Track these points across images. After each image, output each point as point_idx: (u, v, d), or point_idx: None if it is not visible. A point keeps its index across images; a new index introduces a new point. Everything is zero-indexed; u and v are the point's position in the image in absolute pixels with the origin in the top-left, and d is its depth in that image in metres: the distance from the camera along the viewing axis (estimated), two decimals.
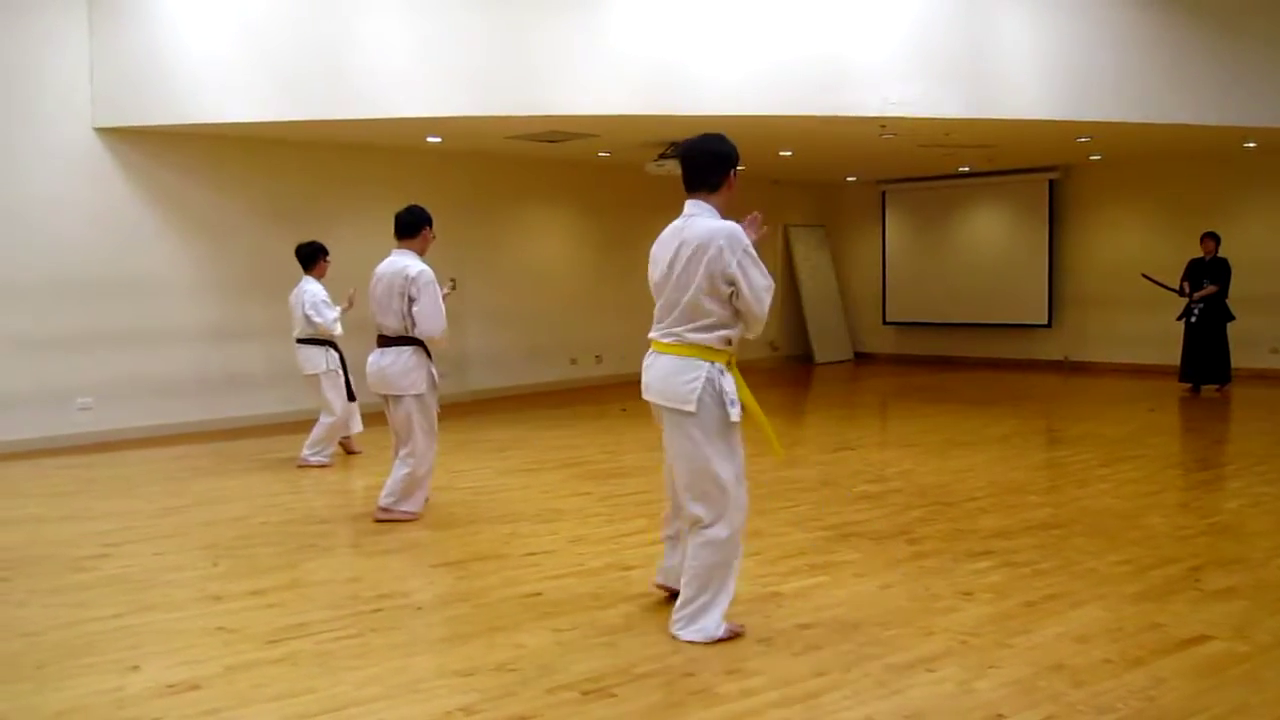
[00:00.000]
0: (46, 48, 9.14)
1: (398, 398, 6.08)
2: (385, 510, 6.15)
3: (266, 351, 10.35)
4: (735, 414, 3.93)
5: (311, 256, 8.16)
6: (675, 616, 4.06)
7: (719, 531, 3.97)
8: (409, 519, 6.12)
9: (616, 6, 8.76)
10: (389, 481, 6.19)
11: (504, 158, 12.25)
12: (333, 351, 8.09)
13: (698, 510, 3.98)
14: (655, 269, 4.08)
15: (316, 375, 8.03)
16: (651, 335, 4.07)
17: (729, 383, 3.95)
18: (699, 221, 3.97)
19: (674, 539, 4.33)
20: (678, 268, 3.93)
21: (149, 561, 5.39)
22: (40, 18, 9.10)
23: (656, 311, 4.07)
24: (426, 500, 6.31)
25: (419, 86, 8.79)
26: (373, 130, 9.93)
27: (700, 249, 3.87)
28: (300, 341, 8.10)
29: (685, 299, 3.91)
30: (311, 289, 8.03)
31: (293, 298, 8.14)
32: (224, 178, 10.26)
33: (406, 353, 6.05)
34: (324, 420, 8.08)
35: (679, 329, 3.94)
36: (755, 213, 4.13)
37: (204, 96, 9.03)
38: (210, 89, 9.00)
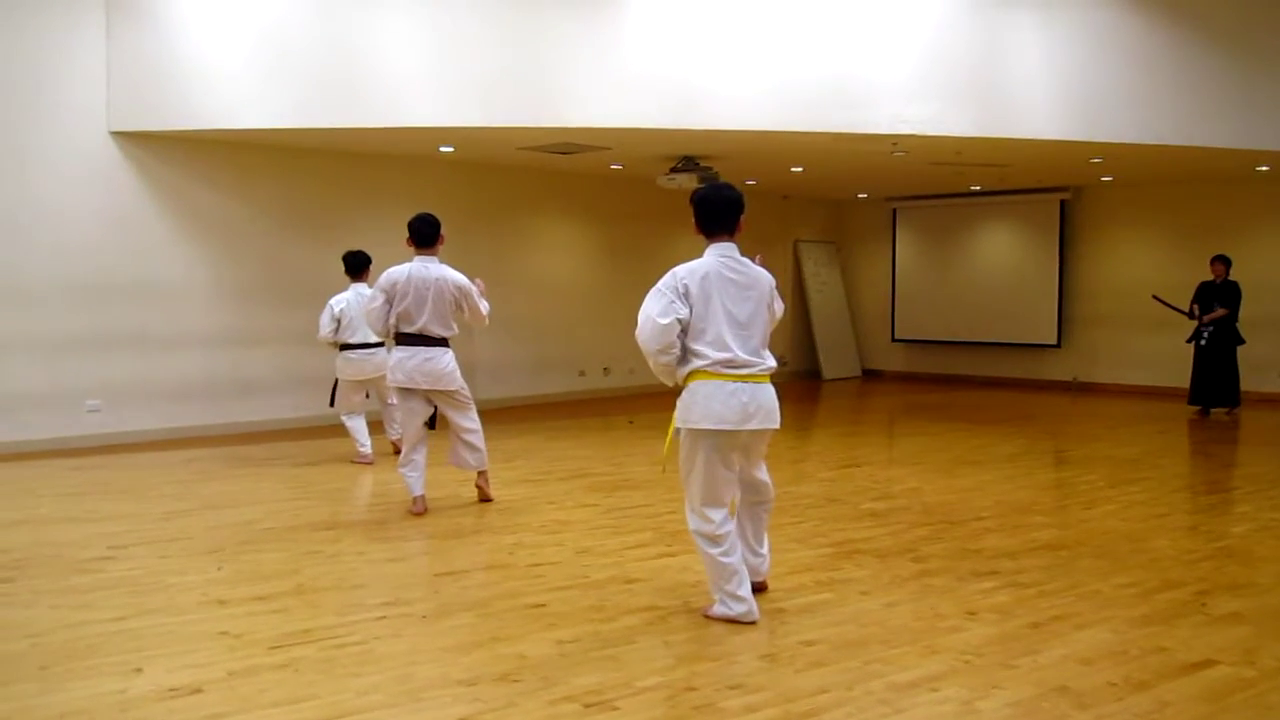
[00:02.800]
0: (63, 51, 9.20)
1: (441, 392, 6.56)
2: (484, 476, 6.93)
3: (277, 357, 10.38)
4: None
5: (363, 265, 8.39)
6: (765, 566, 4.77)
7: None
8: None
9: (631, 19, 8.79)
10: (472, 457, 6.77)
11: (516, 168, 12.28)
12: None
13: (768, 482, 4.67)
14: (728, 304, 4.33)
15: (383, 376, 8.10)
16: (761, 369, 4.36)
17: None
18: (753, 266, 4.45)
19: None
20: (754, 307, 4.38)
21: (154, 564, 5.40)
22: (57, 21, 9.16)
23: (739, 344, 4.32)
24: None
25: (433, 96, 8.83)
26: (386, 139, 9.98)
27: (765, 291, 4.44)
28: (373, 346, 8.26)
29: (763, 335, 4.41)
30: None
31: (353, 304, 8.21)
32: (238, 183, 10.30)
33: (449, 354, 6.54)
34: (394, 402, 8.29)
35: (771, 362, 4.42)
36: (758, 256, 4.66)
37: (219, 102, 9.07)
38: (225, 95, 9.04)
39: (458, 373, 6.59)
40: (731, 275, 4.35)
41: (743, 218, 4.45)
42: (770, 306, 4.46)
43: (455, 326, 6.55)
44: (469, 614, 4.58)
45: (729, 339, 4.29)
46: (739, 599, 4.38)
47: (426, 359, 6.42)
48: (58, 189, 9.24)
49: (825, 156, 11.14)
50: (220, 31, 8.98)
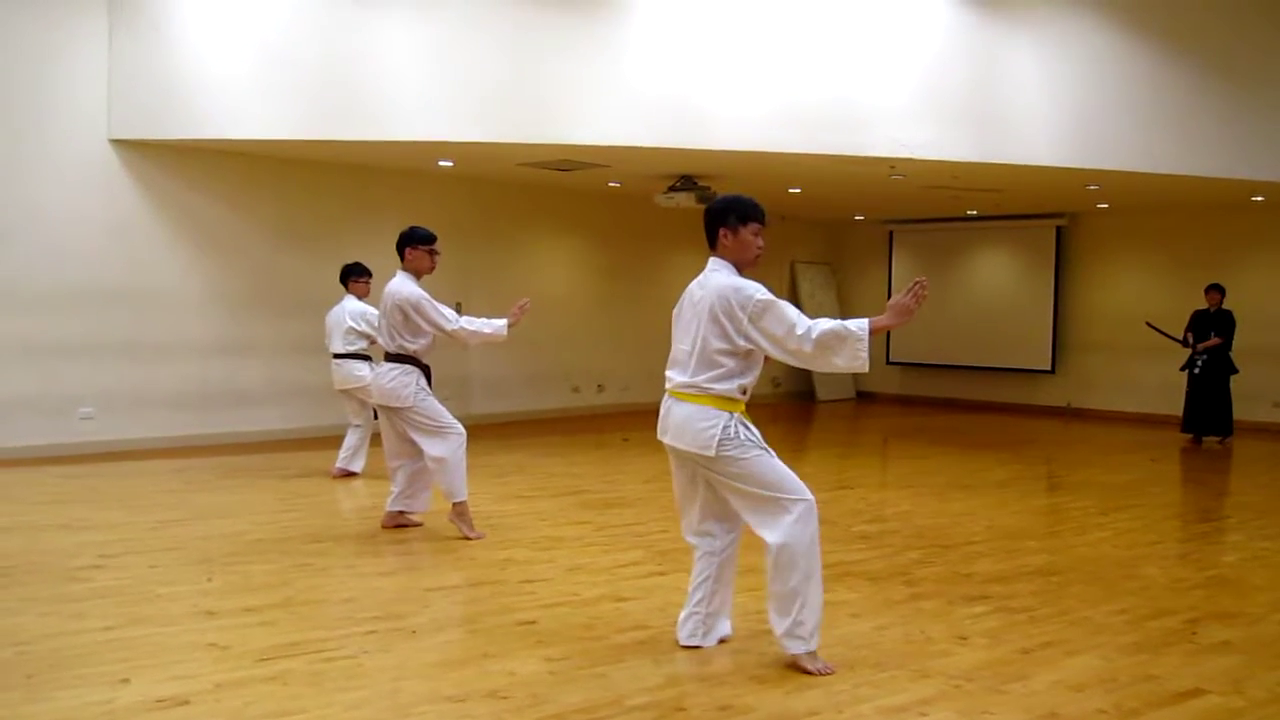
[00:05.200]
0: (65, 58, 9.22)
1: (395, 411, 6.22)
2: (458, 509, 6.40)
3: (271, 368, 10.38)
4: (755, 452, 4.04)
5: (346, 275, 8.46)
6: (789, 632, 4.04)
7: (792, 545, 3.97)
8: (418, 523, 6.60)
9: (632, 39, 8.83)
10: (423, 493, 6.54)
11: (514, 184, 12.30)
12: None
13: (764, 535, 4.02)
14: (677, 319, 4.27)
15: (364, 387, 8.03)
16: (673, 385, 4.18)
17: (747, 430, 4.08)
18: (713, 277, 4.15)
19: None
20: (694, 320, 4.12)
21: (144, 574, 5.38)
22: (59, 28, 9.18)
23: (675, 358, 4.22)
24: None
25: (433, 110, 8.86)
26: (385, 152, 10.00)
27: (712, 306, 4.05)
28: (339, 357, 8.30)
29: (703, 351, 4.07)
30: (362, 307, 8.33)
31: (334, 313, 8.37)
32: (235, 193, 10.32)
33: (398, 369, 6.19)
34: (360, 428, 8.43)
35: (699, 380, 4.08)
36: (920, 280, 4.19)
37: (219, 112, 9.09)
38: (225, 105, 9.06)
39: (403, 390, 6.11)
40: (694, 291, 4.21)
41: (721, 231, 4.15)
42: (718, 319, 4.01)
43: (405, 343, 6.16)
44: (458, 630, 4.57)
45: (674, 354, 4.25)
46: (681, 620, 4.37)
47: (378, 374, 6.32)
48: (56, 195, 9.25)
49: (823, 178, 11.18)
50: (221, 42, 9.01)
